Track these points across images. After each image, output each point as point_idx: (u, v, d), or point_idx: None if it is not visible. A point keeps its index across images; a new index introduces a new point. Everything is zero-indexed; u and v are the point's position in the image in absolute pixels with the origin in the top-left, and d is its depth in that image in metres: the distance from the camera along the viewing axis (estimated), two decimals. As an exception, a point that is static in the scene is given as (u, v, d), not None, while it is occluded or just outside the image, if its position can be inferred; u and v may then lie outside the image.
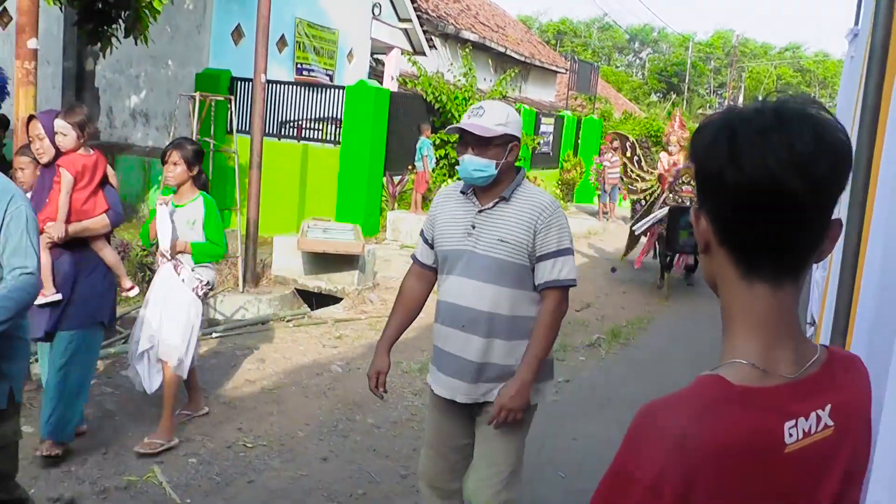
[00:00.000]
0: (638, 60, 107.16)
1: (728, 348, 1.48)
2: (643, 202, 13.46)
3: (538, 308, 3.92)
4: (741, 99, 46.60)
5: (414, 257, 4.35)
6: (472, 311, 3.85)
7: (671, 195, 12.64)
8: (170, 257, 6.09)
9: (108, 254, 5.90)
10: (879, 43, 3.17)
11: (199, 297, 6.23)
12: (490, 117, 3.81)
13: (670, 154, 13.21)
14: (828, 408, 1.44)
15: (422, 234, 4.29)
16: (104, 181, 5.84)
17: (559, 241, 3.85)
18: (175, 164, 6.07)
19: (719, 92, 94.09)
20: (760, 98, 1.45)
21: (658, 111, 45.16)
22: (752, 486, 1.36)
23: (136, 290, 6.25)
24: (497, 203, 3.89)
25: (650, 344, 10.52)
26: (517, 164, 4.05)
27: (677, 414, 1.37)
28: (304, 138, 15.31)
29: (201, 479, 5.59)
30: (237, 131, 12.71)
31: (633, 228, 13.40)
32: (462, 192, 4.02)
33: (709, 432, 1.33)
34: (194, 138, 11.12)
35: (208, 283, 6.32)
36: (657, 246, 13.40)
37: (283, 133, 15.46)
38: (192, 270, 6.14)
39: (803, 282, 1.46)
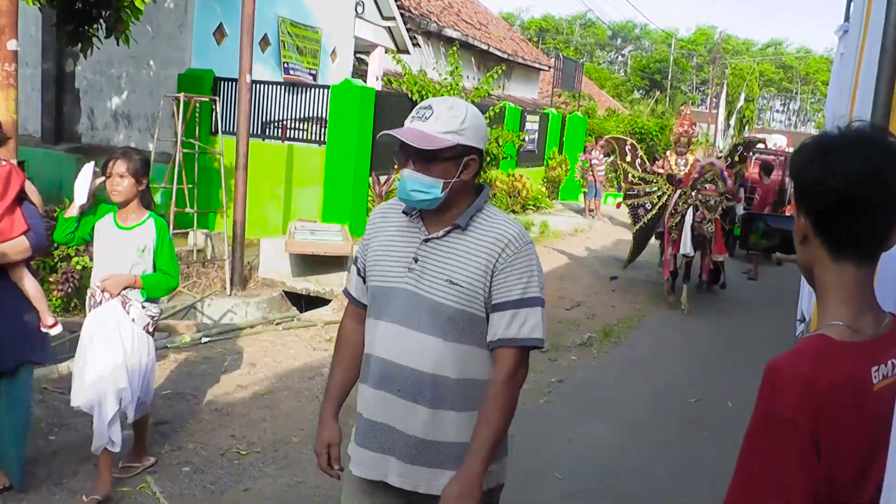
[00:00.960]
0: (620, 57, 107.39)
1: (825, 314, 1.92)
2: (647, 206, 12.70)
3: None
4: (724, 96, 46.59)
5: (347, 293, 3.37)
6: (408, 372, 2.93)
7: (693, 193, 11.93)
8: (78, 211, 5.22)
9: (29, 284, 5.15)
10: (891, 41, 3.13)
11: (150, 333, 5.38)
12: (438, 122, 2.87)
13: (679, 154, 12.93)
14: None
15: (355, 261, 3.32)
16: (21, 197, 5.11)
17: (525, 286, 2.90)
18: (121, 176, 5.12)
19: (702, 89, 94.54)
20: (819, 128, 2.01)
21: (641, 108, 45.22)
22: (854, 416, 1.79)
23: (58, 328, 5.37)
24: (449, 232, 2.96)
25: (642, 342, 10.48)
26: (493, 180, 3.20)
27: (799, 364, 1.80)
28: (289, 138, 15.20)
29: (195, 489, 5.50)
30: (222, 132, 12.61)
31: (660, 231, 13.01)
32: (405, 213, 3.08)
33: (824, 375, 1.77)
34: (179, 140, 11.04)
35: (158, 318, 5.52)
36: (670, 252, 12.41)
37: (267, 133, 15.33)
38: (143, 307, 5.25)
39: (877, 263, 1.93)
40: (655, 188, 12.70)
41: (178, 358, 8.12)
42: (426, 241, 2.97)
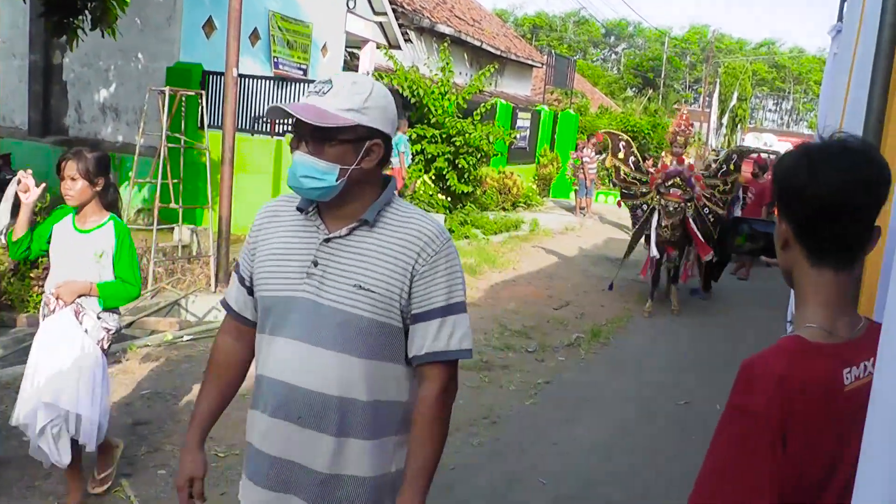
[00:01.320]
0: (614, 55, 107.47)
1: (802, 316, 2.00)
2: (645, 207, 12.29)
3: (414, 390, 2.63)
4: (717, 94, 46.53)
5: (226, 304, 2.86)
6: (311, 396, 2.50)
7: (657, 196, 11.71)
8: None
9: None
10: (887, 41, 3.05)
11: (104, 350, 4.91)
12: (337, 97, 2.45)
13: (675, 155, 12.15)
14: (871, 360, 1.89)
15: (236, 268, 2.87)
16: None
17: (449, 291, 2.53)
18: (73, 178, 4.72)
19: (695, 87, 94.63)
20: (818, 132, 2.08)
21: (634, 106, 45.17)
22: (824, 415, 1.88)
23: None
24: (354, 229, 2.53)
25: (631, 343, 10.39)
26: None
27: (774, 362, 1.89)
28: (278, 133, 15.08)
29: (171, 492, 5.36)
30: (209, 126, 12.47)
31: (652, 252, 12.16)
32: (299, 209, 2.63)
33: (796, 374, 1.86)
34: (164, 134, 10.90)
35: (115, 331, 5.03)
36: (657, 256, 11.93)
37: (255, 128, 15.20)
38: (98, 318, 4.84)
39: (857, 270, 2.02)
40: (648, 189, 12.27)
41: (159, 356, 8.00)
42: (327, 240, 2.53)
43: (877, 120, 3.06)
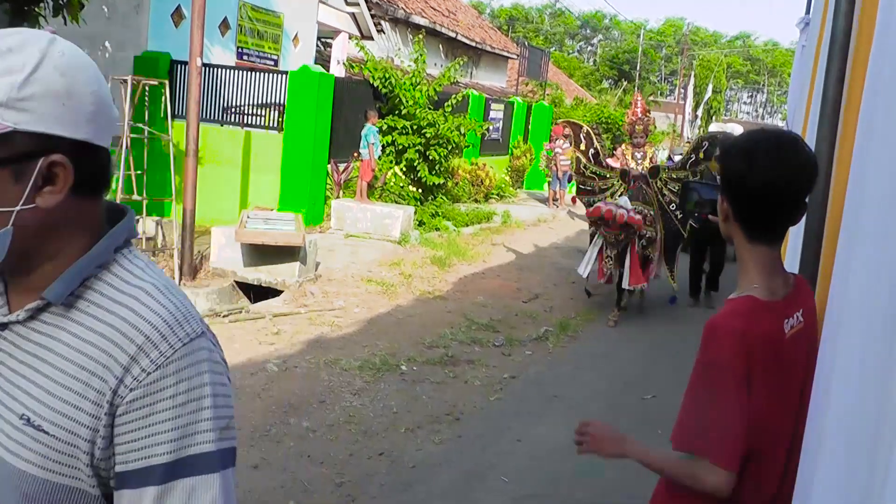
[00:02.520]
0: (589, 47, 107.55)
1: (746, 280, 2.35)
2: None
3: None
4: (692, 87, 46.66)
5: None
6: None
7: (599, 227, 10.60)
8: None
9: None
10: (841, 31, 3.02)
11: None
12: None
13: (636, 146, 11.65)
14: (801, 311, 2.37)
15: None
16: None
17: (182, 436, 1.41)
18: None
19: (670, 79, 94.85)
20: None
21: (609, 98, 45.18)
22: (776, 362, 2.26)
23: None
24: (39, 313, 1.46)
25: (599, 337, 10.29)
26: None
27: (734, 319, 2.25)
28: (247, 124, 14.91)
29: None
30: (176, 116, 12.28)
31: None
32: None
33: (754, 328, 2.22)
34: (126, 124, 10.72)
35: None
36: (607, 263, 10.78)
37: (225, 119, 15.03)
38: None
39: (783, 240, 2.41)
40: (609, 185, 11.57)
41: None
42: (3, 326, 1.48)
43: (833, 110, 3.01)
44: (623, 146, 12.08)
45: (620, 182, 11.42)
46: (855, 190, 1.99)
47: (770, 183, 2.23)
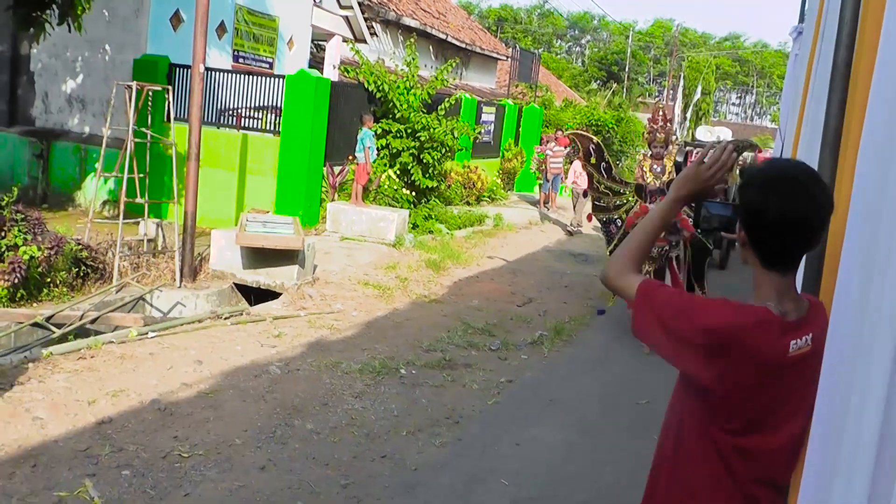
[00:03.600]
0: (578, 48, 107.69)
1: (760, 298, 2.45)
2: (619, 222, 10.97)
3: None
4: (681, 88, 46.74)
5: None
6: None
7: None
8: None
9: None
10: (842, 62, 3.14)
11: None
12: None
13: (655, 158, 10.69)
14: (810, 335, 2.43)
15: None
16: None
17: None
18: None
19: (659, 81, 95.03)
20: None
21: (598, 99, 45.34)
22: (774, 373, 2.39)
23: None
24: None
25: (594, 341, 10.47)
26: None
27: (744, 314, 2.38)
28: (244, 127, 15.06)
29: (135, 493, 5.40)
30: (175, 119, 12.42)
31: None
32: None
33: (755, 334, 2.35)
34: (131, 129, 10.87)
35: None
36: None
37: (222, 121, 15.18)
38: None
39: (797, 267, 2.52)
40: (624, 201, 11.00)
41: (123, 353, 7.98)
42: None
43: (834, 137, 3.16)
44: (641, 156, 11.24)
45: (636, 198, 10.84)
46: (858, 210, 2.22)
47: (785, 218, 2.35)
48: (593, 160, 11.11)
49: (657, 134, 10.68)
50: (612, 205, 11.08)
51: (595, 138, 11.49)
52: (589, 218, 12.09)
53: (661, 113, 10.91)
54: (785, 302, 2.44)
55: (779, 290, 2.45)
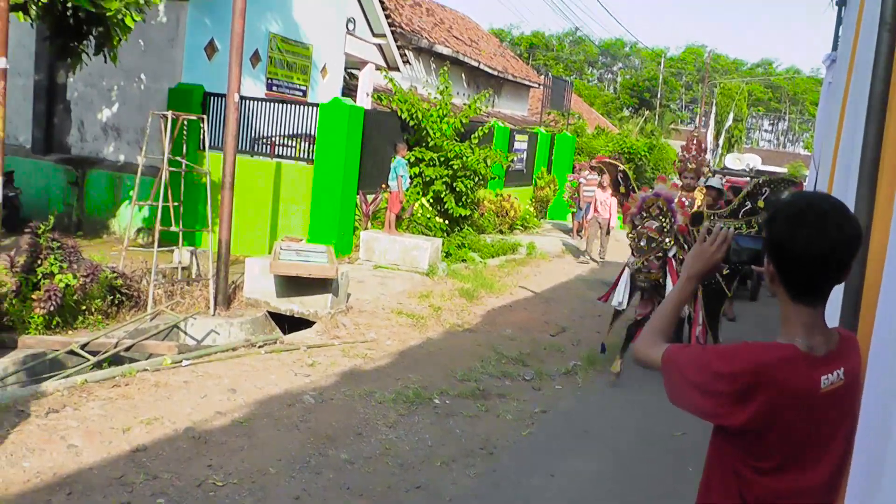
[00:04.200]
0: (609, 74, 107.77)
1: (788, 334, 2.44)
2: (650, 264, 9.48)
3: None
4: (713, 115, 46.62)
5: None
6: None
7: (631, 231, 9.61)
8: None
9: None
10: (878, 96, 3.13)
11: None
12: None
13: (685, 189, 9.83)
14: (842, 369, 2.43)
15: None
16: None
17: None
18: None
19: (691, 107, 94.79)
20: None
21: (630, 127, 45.26)
22: (805, 412, 2.36)
23: None
24: None
25: (628, 371, 10.33)
26: None
27: (768, 353, 2.37)
28: (278, 155, 15.14)
29: (169, 523, 5.40)
30: (210, 147, 12.51)
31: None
32: None
33: (784, 372, 2.34)
34: (165, 158, 10.96)
35: None
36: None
37: (256, 149, 15.27)
38: None
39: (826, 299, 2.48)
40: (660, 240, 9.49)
41: (157, 381, 8.01)
42: None
43: (871, 169, 3.14)
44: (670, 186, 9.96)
45: (672, 242, 9.56)
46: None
47: (813, 252, 2.34)
48: (622, 189, 10.13)
49: (688, 164, 10.01)
50: (645, 246, 9.57)
51: (622, 166, 10.39)
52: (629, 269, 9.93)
53: (695, 141, 10.21)
54: (814, 336, 2.43)
55: (807, 324, 2.44)
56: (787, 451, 2.40)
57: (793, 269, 2.42)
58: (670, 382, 2.54)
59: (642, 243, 9.37)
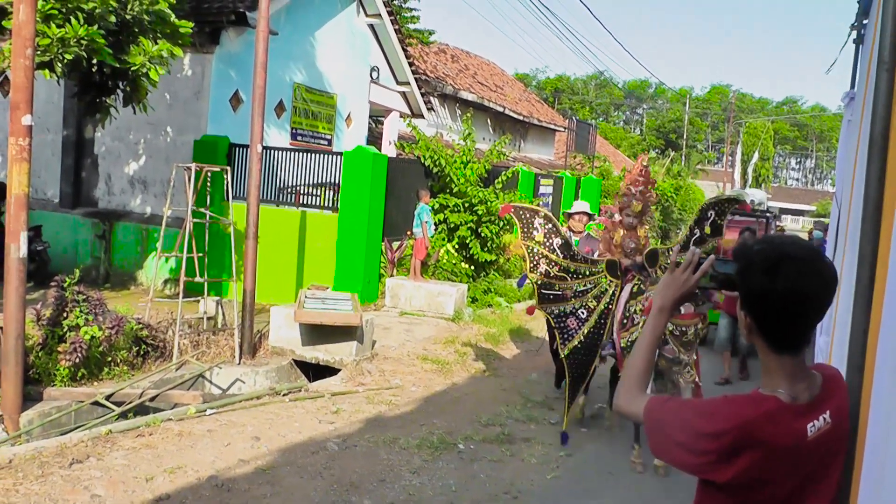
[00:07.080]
0: (635, 116, 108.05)
1: (770, 385, 2.39)
2: (582, 314, 8.66)
3: None
4: (739, 154, 46.59)
5: None
6: None
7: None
8: None
9: None
10: (879, 134, 3.12)
11: None
12: None
13: (626, 227, 8.63)
14: (828, 412, 2.38)
15: None
16: None
17: None
18: None
19: (717, 147, 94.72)
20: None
21: (657, 168, 45.25)
22: (792, 459, 2.29)
23: None
24: None
25: (653, 413, 10.30)
26: None
27: (751, 408, 2.29)
28: (303, 204, 15.26)
29: (192, 573, 5.41)
30: (235, 197, 12.63)
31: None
32: None
33: (769, 428, 2.26)
34: (189, 209, 11.07)
35: None
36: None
37: (281, 199, 15.40)
38: None
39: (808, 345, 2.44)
40: (594, 283, 8.65)
41: (181, 430, 8.05)
42: None
43: (874, 209, 3.13)
44: (610, 222, 8.98)
45: (608, 278, 8.67)
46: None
47: (796, 299, 2.27)
48: (539, 237, 8.72)
49: (633, 200, 8.57)
50: (570, 292, 8.65)
51: (542, 210, 8.99)
52: (530, 311, 9.13)
53: (641, 167, 8.75)
54: (796, 384, 2.37)
55: (790, 373, 2.37)
56: (776, 501, 2.35)
57: (775, 319, 2.34)
58: (654, 439, 2.47)
59: (689, 335, 7.90)
